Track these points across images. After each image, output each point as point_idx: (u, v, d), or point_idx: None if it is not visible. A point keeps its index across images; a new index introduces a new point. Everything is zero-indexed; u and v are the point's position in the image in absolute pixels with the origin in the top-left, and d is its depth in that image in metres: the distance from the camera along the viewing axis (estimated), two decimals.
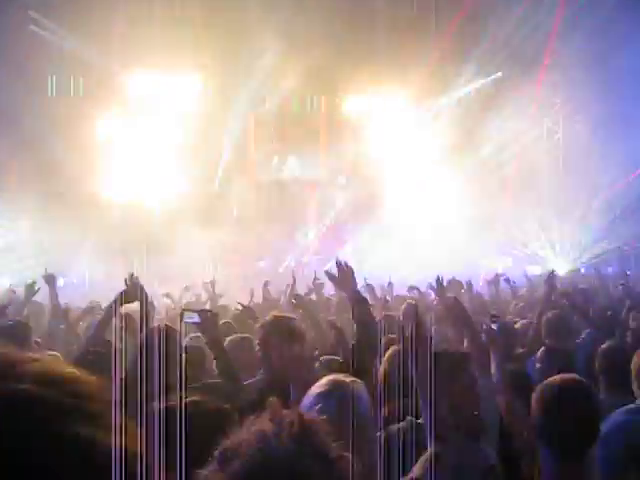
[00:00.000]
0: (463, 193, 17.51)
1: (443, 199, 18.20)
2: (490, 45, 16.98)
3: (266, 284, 9.72)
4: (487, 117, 17.62)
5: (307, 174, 18.21)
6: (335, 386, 2.49)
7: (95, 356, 3.90)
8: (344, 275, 3.96)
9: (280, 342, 3.75)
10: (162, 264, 15.34)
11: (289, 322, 3.93)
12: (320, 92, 18.55)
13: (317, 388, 2.49)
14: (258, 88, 16.94)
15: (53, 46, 15.23)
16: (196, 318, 4.19)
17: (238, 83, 16.74)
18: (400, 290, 9.99)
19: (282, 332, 3.78)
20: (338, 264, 3.99)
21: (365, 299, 4.05)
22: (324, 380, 2.55)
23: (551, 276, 6.92)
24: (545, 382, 2.90)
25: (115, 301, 4.49)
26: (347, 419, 2.29)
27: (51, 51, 15.06)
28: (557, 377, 2.91)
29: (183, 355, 3.73)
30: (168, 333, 3.77)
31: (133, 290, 4.38)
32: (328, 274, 4.18)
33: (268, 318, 4.06)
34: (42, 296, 6.83)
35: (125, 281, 4.52)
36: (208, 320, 4.15)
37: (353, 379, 2.62)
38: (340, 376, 2.65)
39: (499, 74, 18.38)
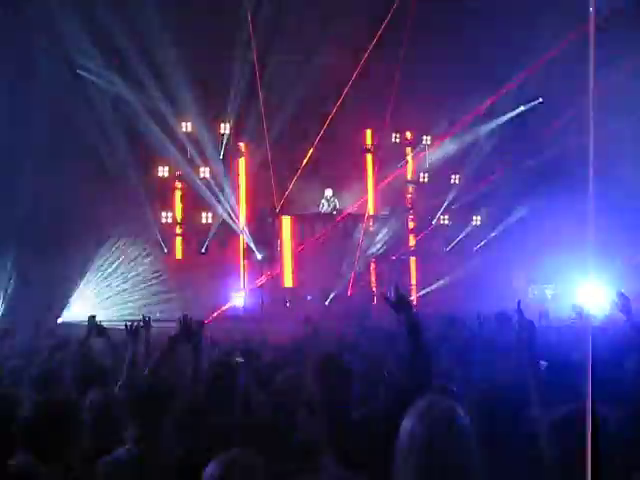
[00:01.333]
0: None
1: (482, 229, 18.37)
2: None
3: (307, 319, 9.69)
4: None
5: (347, 205, 18.23)
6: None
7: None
8: (403, 298, 3.82)
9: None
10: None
11: (343, 361, 3.81)
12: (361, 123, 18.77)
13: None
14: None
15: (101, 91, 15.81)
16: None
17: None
18: None
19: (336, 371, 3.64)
20: (396, 288, 3.84)
21: (420, 324, 3.84)
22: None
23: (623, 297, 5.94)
24: None
25: (171, 341, 4.66)
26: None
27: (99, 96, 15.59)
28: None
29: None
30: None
31: (186, 330, 4.56)
32: (384, 296, 3.95)
33: (321, 356, 3.96)
34: None
35: (179, 321, 4.58)
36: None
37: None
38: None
39: (540, 100, 18.47)
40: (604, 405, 2.86)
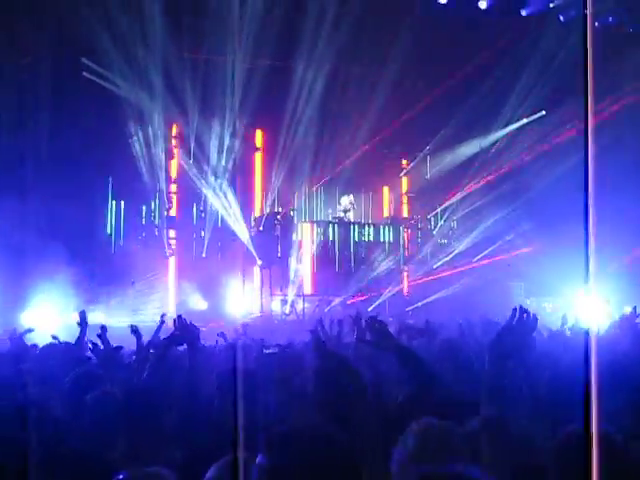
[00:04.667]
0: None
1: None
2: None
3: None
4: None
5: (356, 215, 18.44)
6: None
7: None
8: (380, 332, 3.66)
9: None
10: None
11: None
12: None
13: None
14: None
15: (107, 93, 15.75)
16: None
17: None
18: None
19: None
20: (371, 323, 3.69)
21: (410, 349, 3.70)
22: None
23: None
24: None
25: (168, 341, 4.68)
26: None
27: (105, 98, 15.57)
28: None
29: None
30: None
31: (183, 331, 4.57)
32: (362, 341, 3.95)
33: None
34: None
35: (174, 322, 4.61)
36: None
37: None
38: None
39: (542, 112, 18.47)
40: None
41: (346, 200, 18.28)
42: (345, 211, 18.07)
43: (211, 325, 12.18)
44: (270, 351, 6.55)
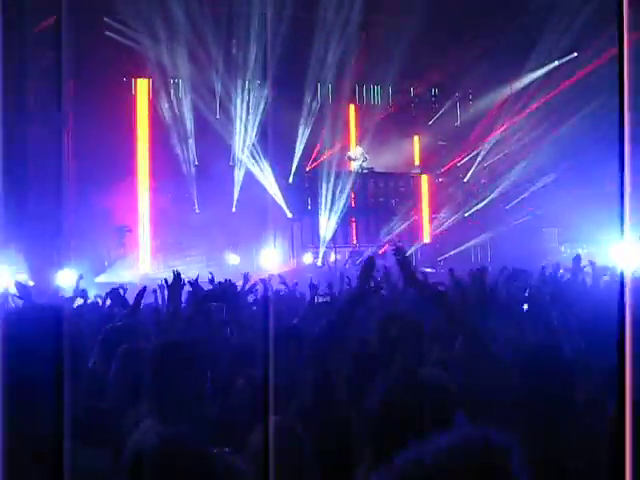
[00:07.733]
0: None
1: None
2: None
3: None
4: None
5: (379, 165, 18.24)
6: None
7: None
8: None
9: None
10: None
11: None
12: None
13: None
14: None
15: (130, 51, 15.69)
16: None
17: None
18: None
19: None
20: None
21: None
22: None
23: None
24: None
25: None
26: None
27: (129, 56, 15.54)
28: None
29: None
30: None
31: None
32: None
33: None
34: None
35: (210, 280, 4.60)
36: None
37: None
38: None
39: (574, 54, 17.92)
40: None
41: (358, 150, 17.93)
42: (352, 159, 17.74)
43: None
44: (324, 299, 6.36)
